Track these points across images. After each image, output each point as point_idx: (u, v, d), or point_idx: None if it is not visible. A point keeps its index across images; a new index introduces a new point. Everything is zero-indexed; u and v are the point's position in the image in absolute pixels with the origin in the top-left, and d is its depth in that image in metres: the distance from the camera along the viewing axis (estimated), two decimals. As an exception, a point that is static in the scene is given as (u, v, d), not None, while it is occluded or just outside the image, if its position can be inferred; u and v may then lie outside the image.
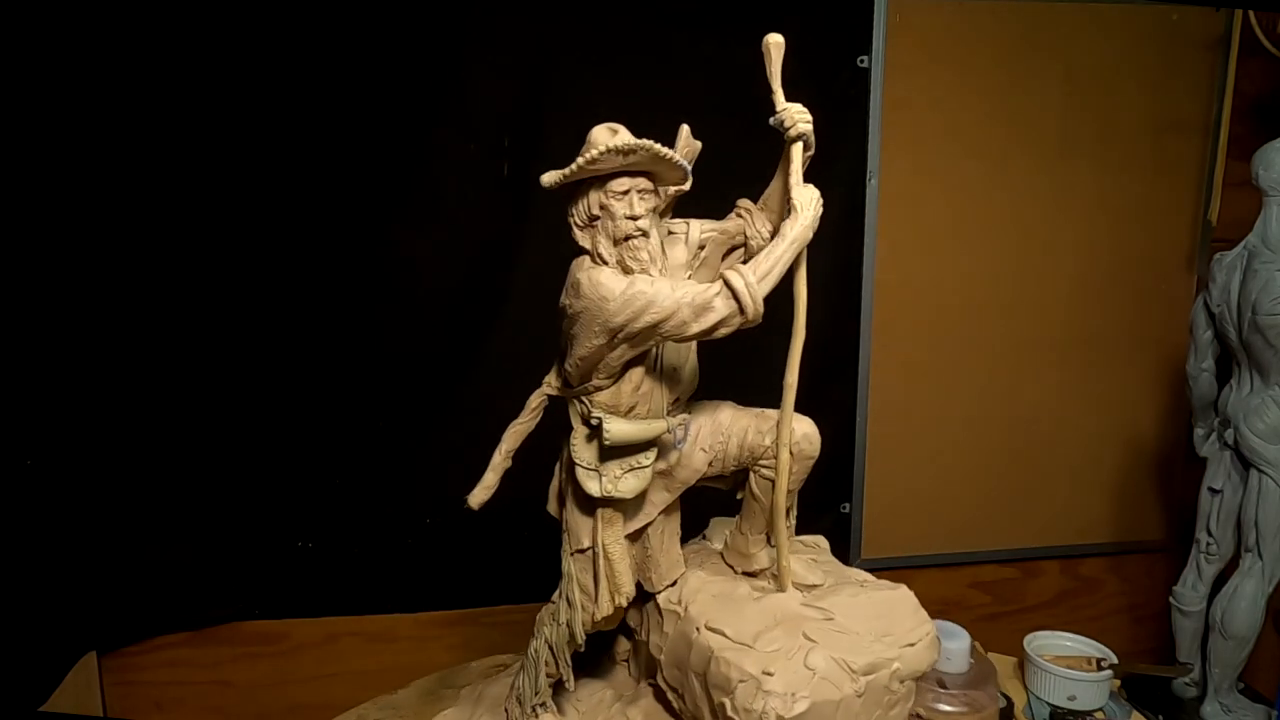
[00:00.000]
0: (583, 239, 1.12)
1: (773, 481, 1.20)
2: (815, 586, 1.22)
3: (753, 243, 1.18)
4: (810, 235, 1.11)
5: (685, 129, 1.16)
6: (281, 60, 1.64)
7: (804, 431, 1.20)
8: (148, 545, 1.75)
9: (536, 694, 1.29)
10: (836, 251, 1.91)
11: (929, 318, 1.98)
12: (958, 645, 1.41)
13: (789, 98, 1.13)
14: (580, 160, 1.04)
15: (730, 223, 1.21)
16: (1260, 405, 1.63)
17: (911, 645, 1.14)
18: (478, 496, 1.23)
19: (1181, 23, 1.94)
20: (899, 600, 1.20)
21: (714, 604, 1.20)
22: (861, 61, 1.84)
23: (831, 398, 1.97)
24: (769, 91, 1.13)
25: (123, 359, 1.68)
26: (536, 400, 1.22)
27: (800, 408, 1.95)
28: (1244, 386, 1.67)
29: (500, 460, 1.24)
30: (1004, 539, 2.12)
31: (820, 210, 1.12)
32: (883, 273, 1.93)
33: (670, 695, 1.22)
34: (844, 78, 1.84)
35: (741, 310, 1.06)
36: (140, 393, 1.70)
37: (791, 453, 1.18)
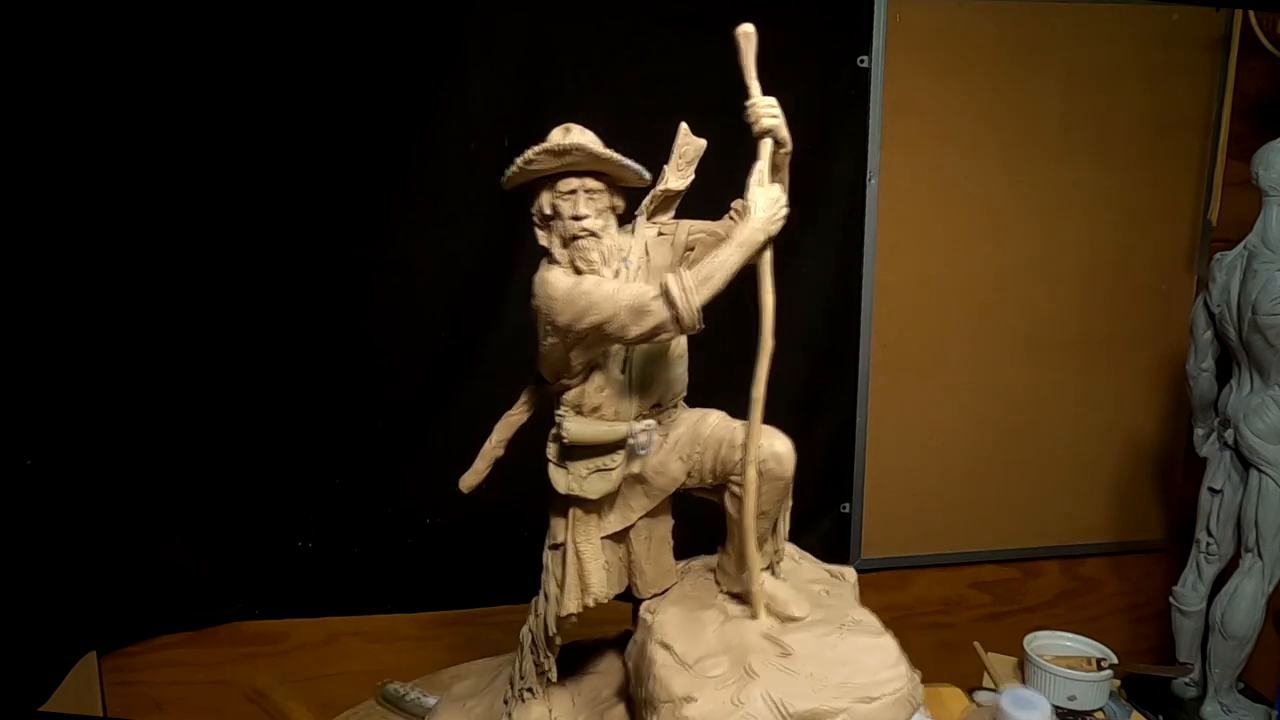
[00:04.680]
0: (542, 239, 1.12)
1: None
2: (795, 619, 1.13)
3: None
4: (762, 238, 1.04)
5: (684, 127, 1.15)
6: (282, 62, 1.64)
7: (773, 450, 1.11)
8: (148, 545, 1.75)
9: (522, 679, 1.30)
10: (837, 251, 1.91)
11: (929, 318, 1.99)
12: (1034, 717, 1.33)
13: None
14: (519, 161, 1.05)
15: (722, 224, 1.19)
16: (1260, 405, 1.63)
17: (869, 700, 1.02)
18: (468, 481, 1.25)
19: (1181, 23, 1.94)
20: (876, 649, 1.08)
21: (678, 619, 1.16)
22: (861, 61, 1.84)
23: (831, 398, 1.97)
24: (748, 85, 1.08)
25: (122, 359, 1.68)
26: (528, 394, 1.22)
27: (800, 408, 1.97)
28: (1244, 386, 1.67)
29: (490, 448, 1.24)
30: (1004, 539, 2.13)
31: (780, 212, 1.06)
32: (883, 273, 1.93)
33: (634, 705, 1.20)
34: (844, 78, 1.84)
35: (676, 316, 1.02)
36: (140, 393, 1.70)
37: (760, 471, 1.10)
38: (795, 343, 1.92)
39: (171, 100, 1.63)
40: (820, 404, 1.97)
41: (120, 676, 1.84)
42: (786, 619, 1.13)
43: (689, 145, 1.15)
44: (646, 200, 1.17)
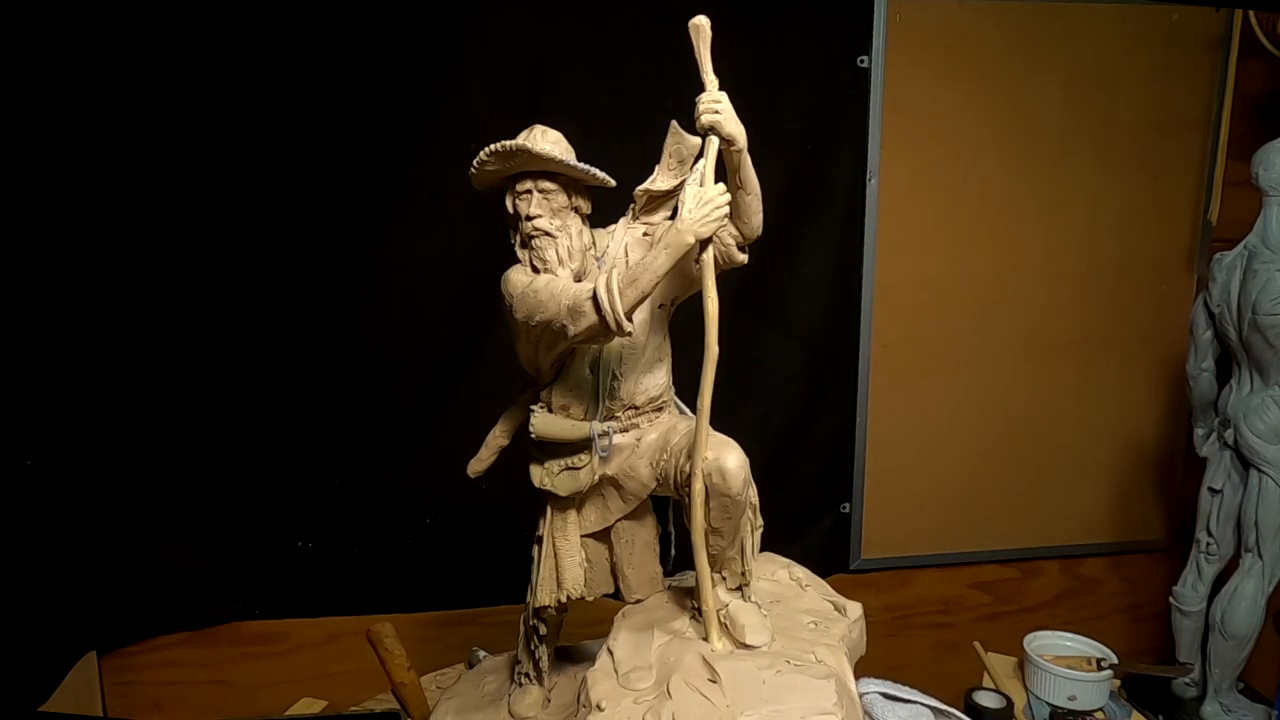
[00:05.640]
0: (511, 238, 1.15)
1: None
2: (748, 647, 1.08)
3: (720, 245, 1.11)
4: (689, 240, 1.00)
5: (674, 125, 1.14)
6: (282, 62, 1.64)
7: (719, 464, 1.04)
8: (148, 545, 1.75)
9: (519, 664, 1.32)
10: (837, 251, 1.91)
11: (929, 318, 1.98)
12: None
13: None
14: (474, 162, 1.07)
15: None
16: (1260, 405, 1.63)
17: None
18: (474, 467, 1.28)
19: (1181, 23, 1.94)
20: (811, 691, 1.01)
21: (634, 628, 1.16)
22: (861, 61, 1.84)
23: (831, 398, 1.97)
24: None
25: (122, 360, 1.68)
26: (530, 389, 1.23)
27: (802, 407, 1.97)
28: (1244, 386, 1.67)
29: (494, 438, 1.26)
30: (1004, 539, 2.12)
31: (715, 214, 1.01)
32: (883, 273, 1.93)
33: None
34: (844, 78, 1.84)
35: (602, 319, 1.01)
36: (140, 393, 1.70)
37: (705, 485, 1.06)
38: (795, 343, 1.93)
39: (172, 100, 1.63)
40: (820, 404, 1.97)
41: (120, 676, 1.84)
42: (740, 645, 1.09)
43: (681, 144, 1.13)
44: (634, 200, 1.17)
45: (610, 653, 1.12)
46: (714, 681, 1.02)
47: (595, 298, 1.01)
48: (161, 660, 1.85)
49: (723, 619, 1.12)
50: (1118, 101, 1.95)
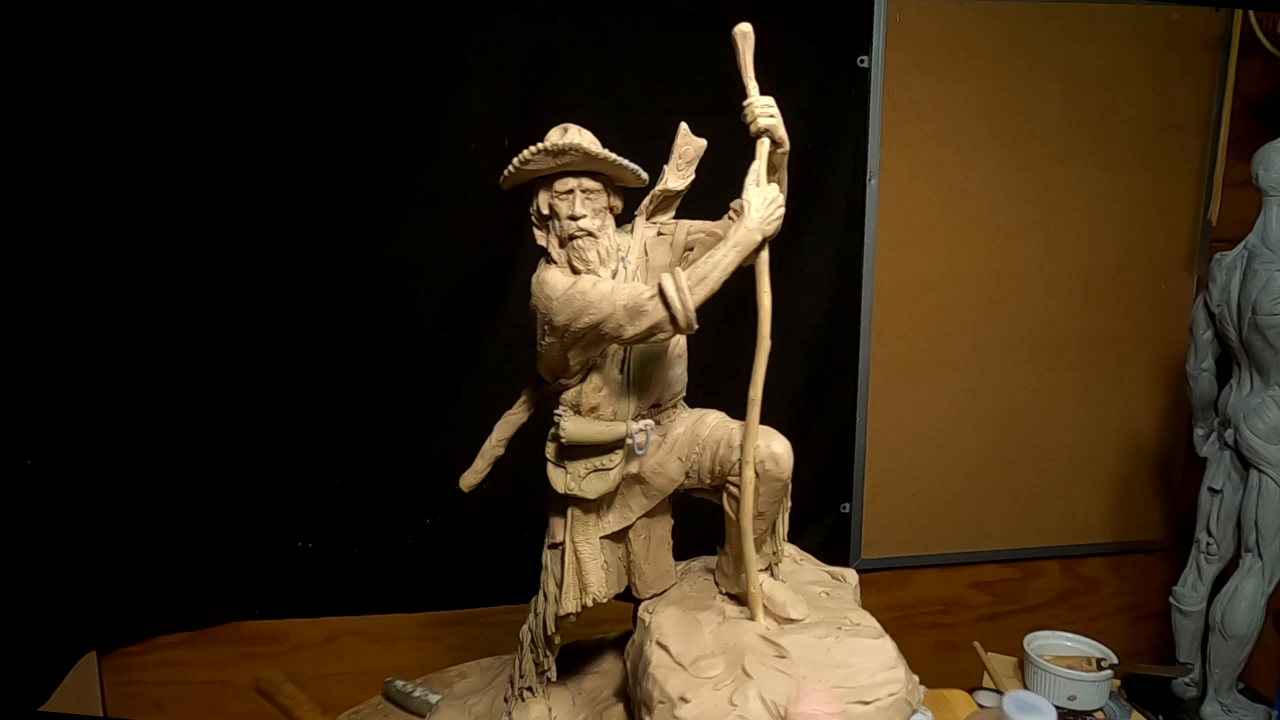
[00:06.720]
0: (540, 238, 1.13)
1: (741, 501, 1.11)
2: (793, 621, 1.12)
3: None
4: (758, 238, 1.04)
5: (683, 127, 1.15)
6: (282, 62, 1.65)
7: (771, 451, 1.10)
8: (148, 545, 1.76)
9: (522, 677, 1.30)
10: (836, 251, 1.91)
11: (929, 318, 1.99)
12: None
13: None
14: (515, 161, 1.06)
15: (721, 224, 1.18)
16: (1260, 405, 1.63)
17: (864, 703, 1.01)
18: (467, 480, 1.26)
19: (1181, 23, 1.94)
20: (873, 651, 1.07)
21: (676, 619, 1.16)
22: (861, 61, 1.84)
23: (831, 398, 1.97)
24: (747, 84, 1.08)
25: (122, 359, 1.68)
26: (528, 393, 1.23)
27: (801, 408, 1.97)
28: (1244, 386, 1.67)
29: (490, 447, 1.25)
30: (1004, 539, 2.13)
31: (776, 212, 1.05)
32: (883, 273, 1.94)
33: (632, 705, 1.20)
34: (844, 78, 1.84)
35: (672, 316, 1.02)
36: (140, 393, 1.70)
37: (757, 472, 1.10)
38: (795, 343, 1.93)
39: (171, 100, 1.63)
40: (820, 404, 1.97)
41: (120, 676, 1.84)
42: (784, 621, 1.12)
43: (689, 145, 1.15)
44: (646, 200, 1.17)
45: (664, 647, 1.12)
46: (783, 657, 1.05)
47: (664, 297, 1.01)
48: (161, 660, 1.85)
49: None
50: (1118, 101, 1.95)
